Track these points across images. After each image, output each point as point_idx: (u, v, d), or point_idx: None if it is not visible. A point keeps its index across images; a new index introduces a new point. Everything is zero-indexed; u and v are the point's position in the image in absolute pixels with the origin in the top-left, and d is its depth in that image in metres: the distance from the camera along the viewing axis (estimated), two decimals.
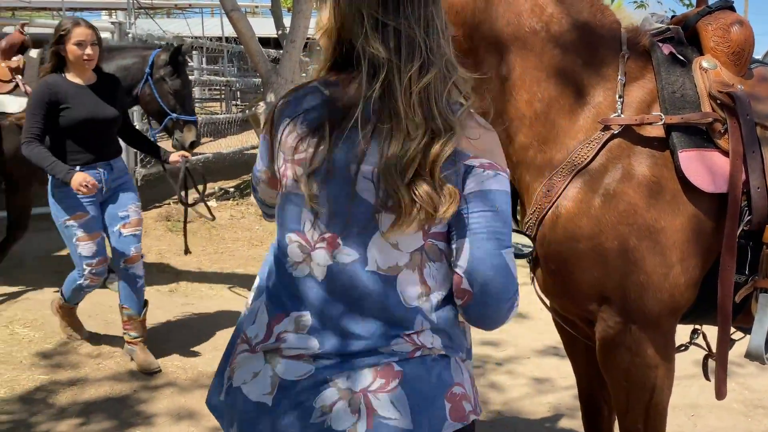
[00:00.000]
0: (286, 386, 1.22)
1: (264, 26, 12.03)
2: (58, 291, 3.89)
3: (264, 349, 1.26)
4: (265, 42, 8.67)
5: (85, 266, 3.48)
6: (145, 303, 3.72)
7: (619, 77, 1.90)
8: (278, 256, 1.30)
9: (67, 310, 3.86)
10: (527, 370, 3.85)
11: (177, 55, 4.76)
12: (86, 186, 3.22)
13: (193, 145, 4.86)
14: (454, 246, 1.21)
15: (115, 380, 3.56)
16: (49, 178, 3.45)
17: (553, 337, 4.21)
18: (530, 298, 4.88)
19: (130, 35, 7.37)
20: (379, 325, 1.22)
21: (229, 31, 11.74)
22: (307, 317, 1.24)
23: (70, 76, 3.49)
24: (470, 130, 1.20)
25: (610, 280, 1.85)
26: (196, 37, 11.54)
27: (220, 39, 12.52)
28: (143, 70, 4.68)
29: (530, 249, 1.83)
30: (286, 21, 7.27)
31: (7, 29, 11.35)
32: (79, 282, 3.56)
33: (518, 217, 2.12)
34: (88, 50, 3.42)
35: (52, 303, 3.94)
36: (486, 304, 1.20)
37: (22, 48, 4.68)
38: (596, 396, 2.38)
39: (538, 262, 2.00)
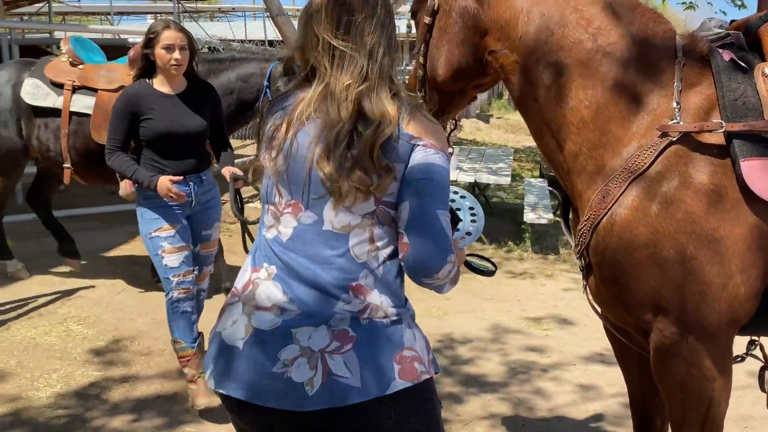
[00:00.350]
0: (256, 334, 1.45)
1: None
2: (118, 291, 3.97)
3: (244, 299, 1.50)
4: None
5: (171, 278, 3.20)
6: (200, 335, 3.34)
7: (675, 84, 1.88)
8: (259, 225, 1.58)
9: (193, 362, 3.28)
10: (573, 377, 3.81)
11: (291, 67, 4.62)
12: (172, 192, 3.06)
13: None
14: (399, 209, 1.45)
15: (165, 378, 3.64)
16: (138, 194, 3.27)
17: (599, 344, 4.18)
18: (574, 304, 4.93)
19: None
20: (333, 275, 1.45)
21: (272, 34, 11.90)
22: (273, 269, 1.49)
23: (158, 83, 3.26)
24: (418, 120, 1.47)
25: (667, 290, 1.82)
26: (239, 41, 11.71)
27: (263, 42, 12.69)
28: (261, 83, 4.55)
29: (492, 270, 1.90)
30: None
31: (58, 34, 11.68)
32: (169, 298, 3.24)
33: (570, 224, 2.12)
34: (177, 54, 3.17)
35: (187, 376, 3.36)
36: (421, 254, 1.41)
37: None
38: (649, 406, 2.34)
39: (591, 269, 1.98)
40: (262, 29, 13.09)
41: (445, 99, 2.20)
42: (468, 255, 1.83)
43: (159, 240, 3.18)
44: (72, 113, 4.44)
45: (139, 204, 3.26)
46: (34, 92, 4.47)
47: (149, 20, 21.67)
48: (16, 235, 6.06)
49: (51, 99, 4.45)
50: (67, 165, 4.48)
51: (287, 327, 1.42)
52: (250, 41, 12.73)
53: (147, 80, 3.26)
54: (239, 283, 1.55)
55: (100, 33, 10.23)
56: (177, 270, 3.20)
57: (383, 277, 1.47)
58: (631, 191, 1.83)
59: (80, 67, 4.54)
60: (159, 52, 3.17)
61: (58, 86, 4.46)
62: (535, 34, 1.94)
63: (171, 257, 3.18)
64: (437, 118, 2.24)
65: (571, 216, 2.24)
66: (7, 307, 4.53)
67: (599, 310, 2.15)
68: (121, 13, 19.78)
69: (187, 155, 3.26)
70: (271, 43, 12.06)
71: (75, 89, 4.45)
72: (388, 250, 1.48)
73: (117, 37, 9.64)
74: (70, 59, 4.58)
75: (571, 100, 1.91)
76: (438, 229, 1.42)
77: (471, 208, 2.12)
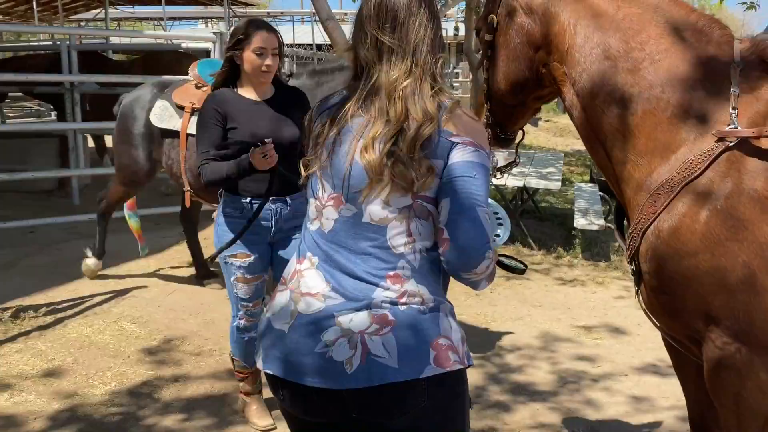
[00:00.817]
0: (300, 318, 1.53)
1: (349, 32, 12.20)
2: (169, 291, 4.05)
3: (291, 287, 1.59)
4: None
5: (240, 306, 3.06)
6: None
7: (732, 89, 1.83)
8: (305, 219, 1.66)
9: (249, 380, 3.26)
10: (625, 387, 3.72)
11: None
12: (266, 152, 2.67)
13: None
14: (440, 206, 1.49)
15: (216, 378, 3.69)
16: (218, 209, 3.03)
17: (653, 355, 4.08)
18: (626, 312, 4.82)
19: None
20: (372, 265, 1.52)
21: (320, 38, 12.01)
22: (317, 259, 1.57)
23: (243, 90, 2.96)
24: (457, 118, 1.51)
25: (717, 299, 1.78)
26: (288, 45, 11.85)
27: (311, 46, 12.81)
28: None
29: (522, 268, 1.94)
30: None
31: (113, 40, 12.03)
32: (234, 324, 3.13)
33: (624, 232, 2.10)
34: (269, 60, 2.87)
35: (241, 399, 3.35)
36: (461, 249, 1.46)
37: None
38: (707, 420, 2.27)
39: (643, 277, 1.94)
40: (310, 33, 13.22)
41: (508, 111, 2.29)
42: (501, 255, 1.86)
43: (233, 267, 2.96)
44: (189, 135, 4.23)
45: (217, 218, 3.01)
46: (161, 114, 4.49)
47: (200, 25, 22.13)
48: (72, 234, 6.26)
49: (173, 121, 4.42)
50: (186, 188, 4.26)
51: (330, 311, 1.50)
52: (298, 45, 12.88)
53: (232, 87, 2.98)
54: (287, 272, 1.64)
55: (153, 38, 10.46)
56: (246, 301, 3.04)
57: (420, 268, 1.53)
58: (681, 197, 1.81)
59: (204, 89, 4.33)
60: (249, 56, 2.87)
61: (181, 109, 4.41)
62: (581, 45, 1.97)
63: (242, 288, 3.00)
64: (503, 129, 2.35)
65: (626, 224, 2.21)
66: (64, 305, 4.67)
67: (654, 319, 2.10)
68: (173, 19, 20.25)
69: (272, 172, 2.80)
70: (319, 47, 12.17)
71: (194, 111, 4.25)
72: (426, 243, 1.53)
73: (169, 42, 9.86)
74: (196, 83, 4.44)
75: (620, 108, 1.91)
76: (478, 224, 1.46)
77: (495, 213, 2.18)
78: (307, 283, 1.56)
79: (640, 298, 2.04)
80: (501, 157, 8.30)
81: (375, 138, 1.49)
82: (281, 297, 1.60)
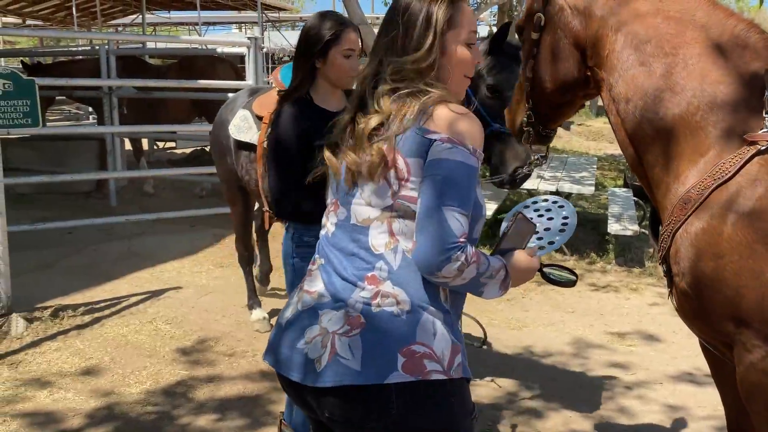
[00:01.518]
0: (296, 314, 1.60)
1: None
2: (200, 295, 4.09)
3: (300, 287, 1.67)
4: None
5: None
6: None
7: (766, 94, 1.80)
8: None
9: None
10: (660, 396, 3.66)
11: (499, 41, 3.36)
12: None
13: (517, 174, 3.22)
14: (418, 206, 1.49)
15: (248, 379, 3.74)
16: (287, 238, 2.53)
17: (689, 363, 4.01)
18: (661, 320, 4.75)
19: (264, 49, 7.72)
20: (354, 265, 1.55)
21: None
22: (322, 260, 1.65)
23: (319, 99, 2.46)
24: (439, 114, 1.51)
25: (746, 301, 1.76)
26: None
27: None
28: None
29: (572, 280, 1.81)
30: None
31: (149, 44, 12.24)
32: None
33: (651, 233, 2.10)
34: (355, 62, 2.47)
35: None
36: (422, 252, 1.45)
37: None
38: (743, 426, 2.23)
39: (674, 281, 1.93)
40: None
41: (555, 109, 2.29)
42: (547, 265, 1.78)
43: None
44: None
45: (287, 248, 2.52)
46: (240, 125, 3.89)
47: (234, 30, 22.40)
48: (109, 235, 6.39)
49: (251, 133, 3.79)
50: (266, 208, 3.48)
51: (317, 309, 1.56)
52: None
53: (306, 97, 2.47)
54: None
55: (189, 43, 10.63)
56: None
57: (400, 269, 1.51)
58: (711, 200, 1.80)
59: None
60: (338, 60, 2.43)
61: (260, 119, 3.64)
62: (619, 51, 1.98)
63: None
64: (546, 127, 2.36)
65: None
66: (102, 305, 4.76)
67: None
68: (208, 24, 20.53)
69: None
70: None
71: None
72: (409, 244, 1.52)
73: (204, 47, 10.01)
74: (279, 90, 3.53)
75: (653, 114, 1.92)
76: (441, 225, 1.43)
77: (565, 218, 2.11)
78: (311, 281, 1.64)
79: (673, 300, 2.03)
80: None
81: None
82: (293, 296, 1.69)
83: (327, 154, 1.69)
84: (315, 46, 2.42)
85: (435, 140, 1.48)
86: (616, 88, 2.00)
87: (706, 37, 1.90)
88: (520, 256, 1.62)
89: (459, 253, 1.44)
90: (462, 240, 1.45)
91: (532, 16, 2.17)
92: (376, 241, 1.54)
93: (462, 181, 1.47)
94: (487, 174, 3.20)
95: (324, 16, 2.53)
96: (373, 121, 1.56)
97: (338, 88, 2.52)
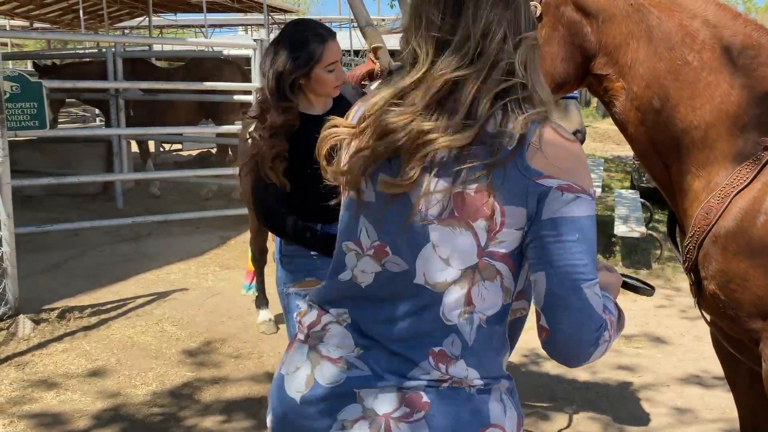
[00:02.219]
0: (316, 388, 1.23)
1: (388, 39, 12.25)
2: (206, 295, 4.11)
3: (311, 343, 1.28)
4: (391, 54, 8.84)
5: None
6: None
7: None
8: (333, 258, 1.32)
9: None
10: (667, 398, 3.64)
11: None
12: None
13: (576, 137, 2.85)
14: (532, 277, 1.16)
15: (254, 381, 3.74)
16: (278, 241, 2.49)
17: (696, 365, 3.99)
18: (667, 322, 4.73)
19: None
20: (413, 336, 1.19)
21: (357, 44, 12.08)
22: (347, 316, 1.25)
23: (302, 104, 2.34)
24: (549, 146, 1.12)
25: None
26: None
27: (348, 52, 12.89)
28: None
29: (650, 290, 1.62)
30: None
31: (156, 47, 12.28)
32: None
33: (678, 241, 2.09)
34: (340, 72, 2.35)
35: None
36: (564, 343, 1.14)
37: (371, 77, 3.40)
38: (760, 430, 2.23)
39: (701, 286, 1.95)
40: (347, 39, 13.30)
41: None
42: (623, 275, 1.53)
43: (296, 299, 2.44)
44: None
45: (279, 249, 2.50)
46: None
47: (240, 32, 22.45)
48: (115, 237, 6.41)
49: None
50: None
51: (351, 385, 1.21)
52: None
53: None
54: (306, 320, 1.32)
55: (195, 45, 10.66)
56: None
57: (476, 343, 1.19)
58: (734, 205, 1.83)
59: None
60: (322, 76, 2.29)
61: None
62: (645, 60, 1.93)
63: None
64: None
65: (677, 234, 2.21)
66: (108, 306, 4.77)
67: (716, 323, 2.10)
68: (214, 26, 20.59)
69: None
70: (357, 53, 12.23)
71: None
72: (488, 313, 1.19)
73: (211, 49, 10.04)
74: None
75: (681, 122, 1.90)
76: (585, 310, 1.12)
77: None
78: (331, 342, 1.26)
79: (700, 305, 2.05)
80: None
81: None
82: (299, 352, 1.30)
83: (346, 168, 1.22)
84: (301, 68, 2.24)
85: (551, 188, 1.11)
86: (644, 98, 1.94)
87: (723, 41, 1.90)
88: (608, 279, 1.30)
89: (605, 333, 1.14)
90: (602, 315, 1.15)
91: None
92: (450, 310, 1.18)
93: (593, 244, 1.14)
94: None
95: (303, 27, 2.32)
96: (458, 139, 1.11)
97: (320, 98, 2.39)
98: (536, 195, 1.11)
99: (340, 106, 2.42)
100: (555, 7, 1.96)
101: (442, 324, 1.18)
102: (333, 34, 2.36)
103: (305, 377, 1.25)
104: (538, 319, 1.16)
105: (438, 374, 1.18)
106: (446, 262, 1.16)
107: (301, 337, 1.31)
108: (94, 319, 4.52)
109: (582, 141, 2.79)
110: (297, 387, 1.26)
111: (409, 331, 1.20)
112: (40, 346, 4.11)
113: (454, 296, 1.17)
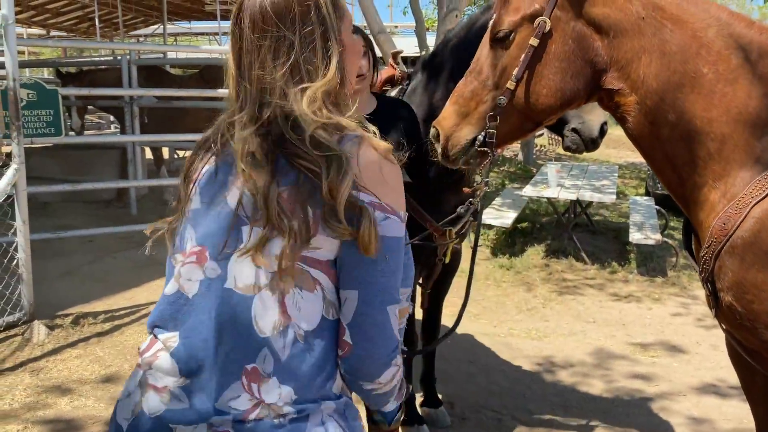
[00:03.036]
0: (141, 419, 1.18)
1: (399, 45, 12.28)
2: None
3: (145, 367, 1.21)
4: (404, 60, 8.86)
5: None
6: (399, 407, 2.86)
7: None
8: (166, 276, 1.29)
9: None
10: (683, 408, 3.60)
11: None
12: None
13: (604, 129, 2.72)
14: (342, 295, 1.16)
15: None
16: None
17: (713, 374, 3.94)
18: (683, 330, 4.68)
19: None
20: (228, 353, 1.13)
21: None
22: (173, 338, 1.18)
23: None
24: (368, 163, 1.12)
25: None
26: None
27: None
28: None
29: None
30: (430, 41, 7.37)
31: (170, 54, 12.38)
32: None
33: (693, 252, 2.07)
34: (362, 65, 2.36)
35: None
36: (362, 359, 1.16)
37: (392, 82, 3.28)
38: None
39: (718, 295, 1.92)
40: None
41: (529, 128, 2.06)
42: None
43: None
44: None
45: None
46: None
47: None
48: (130, 243, 6.44)
49: None
50: None
51: (168, 420, 1.14)
52: None
53: None
54: (143, 345, 1.26)
55: (209, 53, 10.73)
56: None
57: (289, 361, 1.13)
58: (752, 215, 1.80)
59: None
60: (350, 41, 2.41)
61: None
62: (658, 74, 1.89)
63: None
64: (495, 149, 2.01)
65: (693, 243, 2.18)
66: (121, 313, 4.79)
67: (732, 333, 2.07)
68: (228, 34, 20.71)
69: None
70: None
71: None
72: (305, 327, 1.14)
73: (224, 56, 10.08)
74: None
75: (697, 135, 1.88)
76: (384, 328, 1.15)
77: None
78: (159, 368, 1.18)
79: (718, 316, 2.03)
80: (554, 168, 8.11)
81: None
82: (133, 378, 1.23)
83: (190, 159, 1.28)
84: None
85: (364, 202, 1.10)
86: (657, 112, 1.91)
87: (738, 52, 1.88)
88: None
89: (398, 356, 1.19)
90: (398, 337, 1.19)
91: (532, 18, 1.92)
92: (262, 320, 1.12)
93: (400, 264, 1.16)
94: (570, 144, 2.72)
95: None
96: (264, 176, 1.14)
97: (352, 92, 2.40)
98: (354, 210, 1.10)
99: (385, 116, 2.47)
100: (565, 22, 1.92)
101: (255, 337, 1.13)
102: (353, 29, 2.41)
103: (133, 405, 1.20)
104: (342, 334, 1.16)
105: (247, 399, 1.12)
106: (257, 264, 1.12)
107: (139, 361, 1.25)
108: (107, 325, 4.54)
109: (603, 135, 2.71)
110: (125, 414, 1.20)
111: (225, 347, 1.13)
112: (54, 351, 4.13)
113: (266, 304, 1.13)
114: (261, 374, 1.12)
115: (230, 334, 1.14)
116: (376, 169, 1.13)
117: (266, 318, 1.12)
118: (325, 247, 1.12)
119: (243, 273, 1.13)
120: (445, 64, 2.80)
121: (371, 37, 2.61)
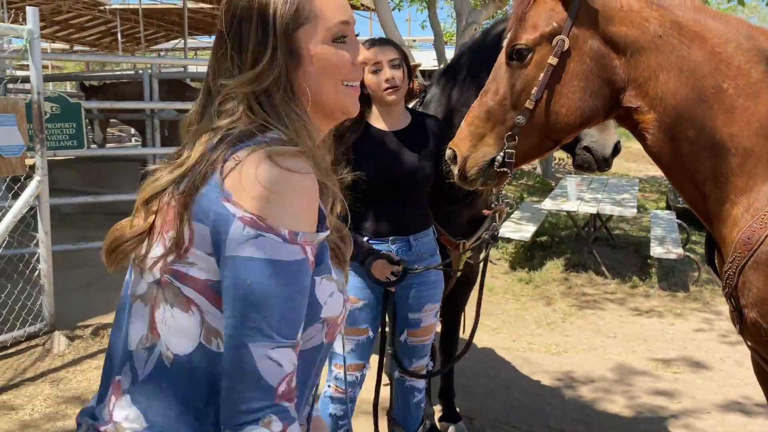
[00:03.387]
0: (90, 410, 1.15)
1: (418, 59, 12.34)
2: None
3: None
4: (423, 73, 8.88)
5: (333, 368, 2.49)
6: (422, 421, 2.78)
7: None
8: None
9: None
10: (707, 426, 3.53)
11: None
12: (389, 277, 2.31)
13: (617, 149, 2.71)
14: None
15: None
16: None
17: (738, 391, 3.86)
18: (707, 346, 4.61)
19: None
20: (109, 365, 1.09)
21: None
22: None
23: (373, 118, 2.48)
24: (249, 169, 0.96)
25: None
26: None
27: None
28: None
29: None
30: (448, 54, 7.38)
31: (191, 68, 12.52)
32: (324, 390, 2.52)
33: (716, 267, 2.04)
34: (388, 73, 2.39)
35: None
36: (223, 401, 0.95)
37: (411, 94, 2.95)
38: None
39: (742, 312, 1.89)
40: None
41: (548, 147, 2.05)
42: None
43: None
44: None
45: None
46: None
47: None
48: None
49: None
50: None
51: (81, 413, 1.16)
52: None
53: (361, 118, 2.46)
54: None
55: None
56: (340, 359, 2.41)
57: (149, 380, 1.01)
58: None
59: None
60: (366, 77, 2.40)
61: None
62: (676, 91, 1.88)
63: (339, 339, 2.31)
64: (513, 168, 1.99)
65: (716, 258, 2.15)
66: None
67: (757, 350, 2.04)
68: None
69: (395, 209, 2.45)
70: None
71: None
72: (174, 350, 1.00)
73: None
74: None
75: (719, 150, 1.86)
76: (243, 370, 0.93)
77: None
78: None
79: (743, 331, 1.99)
80: (573, 182, 8.04)
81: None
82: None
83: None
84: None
85: (234, 216, 0.95)
86: (677, 129, 1.90)
87: (759, 64, 1.86)
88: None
89: (271, 416, 0.93)
90: (281, 394, 0.94)
91: (550, 37, 1.90)
92: (133, 329, 1.04)
93: (276, 293, 0.94)
94: (581, 162, 2.67)
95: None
96: (166, 178, 1.06)
97: (385, 105, 2.46)
98: (219, 217, 0.96)
99: (417, 131, 2.52)
100: (583, 41, 1.89)
101: (126, 348, 1.05)
102: (380, 41, 2.48)
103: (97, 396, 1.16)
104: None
105: (107, 411, 1.05)
106: (140, 272, 1.06)
107: None
108: None
109: (616, 154, 2.68)
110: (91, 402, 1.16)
111: (116, 353, 1.08)
112: (75, 362, 4.15)
113: (138, 315, 1.04)
114: (121, 389, 1.05)
115: (115, 342, 1.10)
116: (263, 179, 0.95)
117: (136, 330, 1.04)
118: (199, 264, 0.98)
119: (133, 280, 1.08)
120: (458, 77, 2.79)
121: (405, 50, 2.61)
